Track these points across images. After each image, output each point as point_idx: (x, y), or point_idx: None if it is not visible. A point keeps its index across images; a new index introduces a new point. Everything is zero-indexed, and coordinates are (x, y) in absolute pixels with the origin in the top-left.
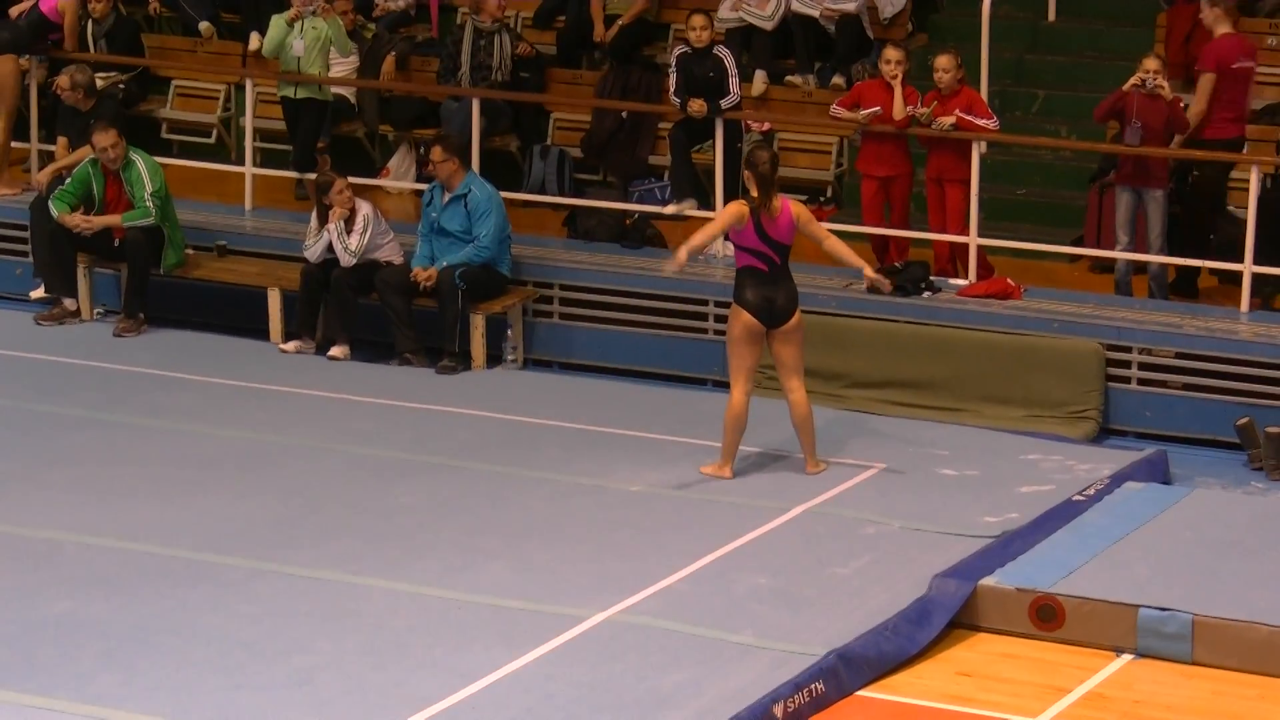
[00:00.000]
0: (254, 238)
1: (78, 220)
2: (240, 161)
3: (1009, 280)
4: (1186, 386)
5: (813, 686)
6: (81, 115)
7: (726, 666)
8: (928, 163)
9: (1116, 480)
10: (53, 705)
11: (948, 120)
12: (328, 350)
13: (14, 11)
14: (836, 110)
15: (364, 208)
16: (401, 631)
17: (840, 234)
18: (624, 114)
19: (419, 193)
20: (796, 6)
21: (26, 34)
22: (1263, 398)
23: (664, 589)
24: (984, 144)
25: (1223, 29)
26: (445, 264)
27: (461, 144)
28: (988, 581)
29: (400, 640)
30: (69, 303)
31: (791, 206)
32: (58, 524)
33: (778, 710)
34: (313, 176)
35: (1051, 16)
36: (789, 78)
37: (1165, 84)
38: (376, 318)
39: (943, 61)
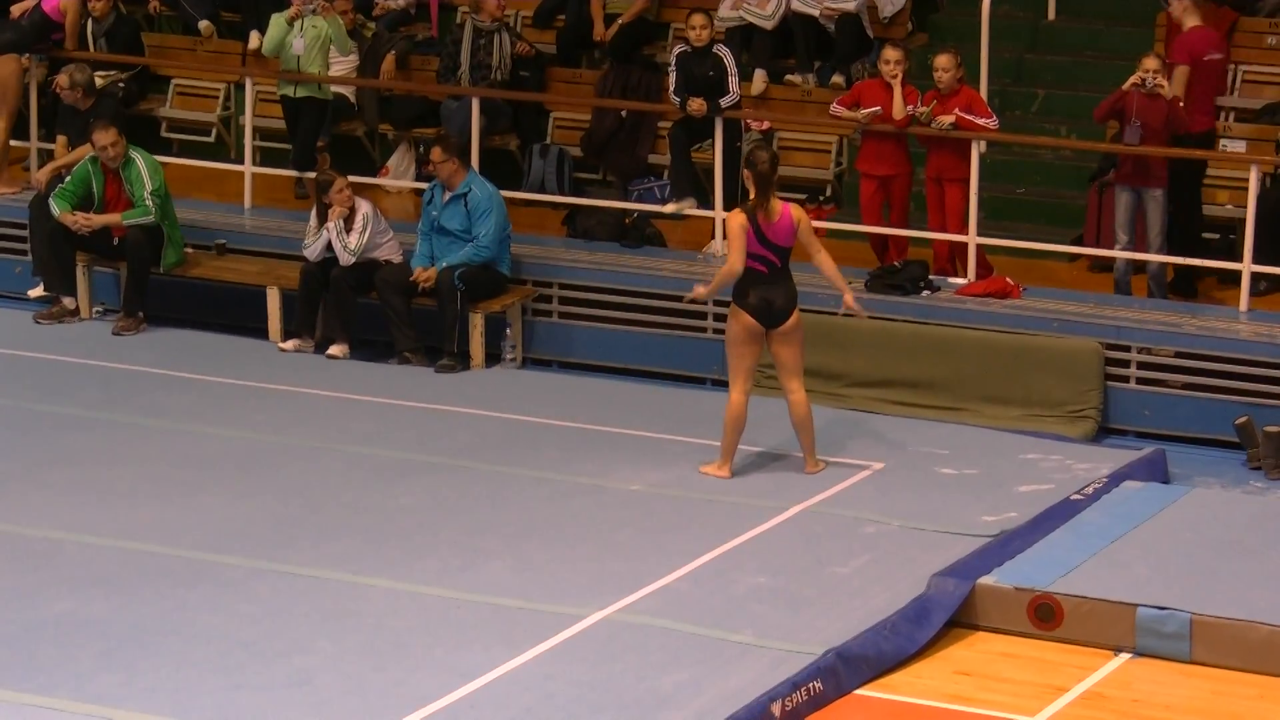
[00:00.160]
0: (253, 236)
1: (77, 219)
2: (240, 160)
3: (1008, 279)
4: (1185, 386)
5: (811, 685)
6: (81, 114)
7: (726, 666)
8: (927, 162)
9: (1115, 479)
10: (53, 705)
11: (947, 119)
12: (327, 349)
13: (15, 11)
14: (836, 109)
15: (363, 207)
16: (401, 631)
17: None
18: (624, 113)
19: (418, 192)
20: (796, 5)
21: (30, 34)
22: (1262, 397)
23: (663, 588)
24: (983, 143)
25: (1192, 21)
26: (445, 264)
27: (461, 144)
28: (986, 581)
29: (400, 640)
30: (68, 301)
31: (792, 211)
32: (58, 524)
33: (776, 709)
34: (312, 175)
35: (1051, 16)
36: (789, 77)
37: (1165, 83)
38: (376, 317)
39: (942, 61)
